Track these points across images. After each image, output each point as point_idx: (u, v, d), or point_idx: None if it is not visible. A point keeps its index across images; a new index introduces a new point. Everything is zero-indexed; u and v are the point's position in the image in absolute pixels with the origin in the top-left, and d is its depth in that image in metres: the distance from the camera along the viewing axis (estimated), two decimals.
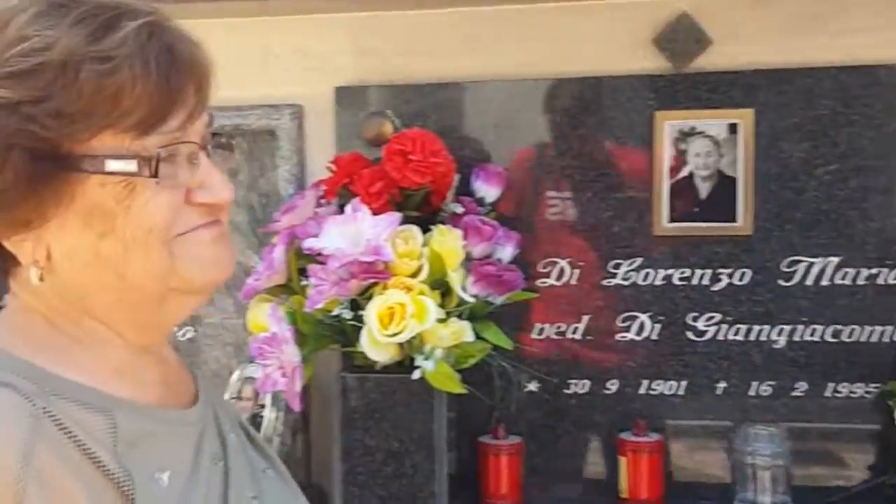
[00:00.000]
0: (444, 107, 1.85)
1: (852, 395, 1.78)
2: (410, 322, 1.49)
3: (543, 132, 1.85)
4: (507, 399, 1.83)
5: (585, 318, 1.84)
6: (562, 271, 1.85)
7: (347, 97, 1.88)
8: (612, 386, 1.85)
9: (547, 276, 1.85)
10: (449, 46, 1.86)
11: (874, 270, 1.76)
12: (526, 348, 1.82)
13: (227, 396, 1.71)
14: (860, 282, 1.76)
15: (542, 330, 1.86)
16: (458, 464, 1.80)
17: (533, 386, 1.86)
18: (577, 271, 1.84)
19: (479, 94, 1.87)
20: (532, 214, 1.85)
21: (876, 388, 1.76)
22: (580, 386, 1.86)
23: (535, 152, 1.85)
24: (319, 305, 1.51)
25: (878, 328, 1.76)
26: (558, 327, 1.85)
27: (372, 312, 1.49)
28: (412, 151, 1.54)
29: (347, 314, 1.51)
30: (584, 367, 1.85)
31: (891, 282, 1.76)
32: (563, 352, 1.85)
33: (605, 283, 1.83)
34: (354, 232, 1.52)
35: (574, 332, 1.85)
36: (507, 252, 1.75)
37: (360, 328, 1.52)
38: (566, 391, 1.86)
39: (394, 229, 1.53)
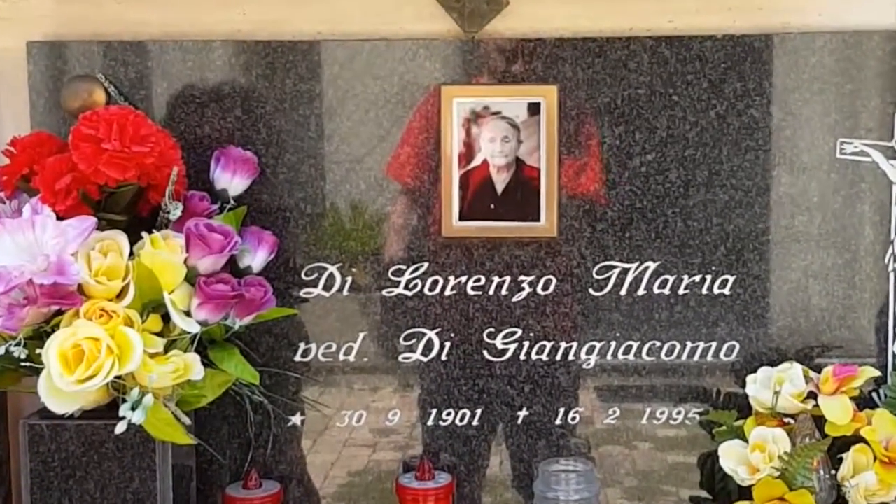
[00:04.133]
0: (174, 72, 1.63)
1: (672, 423, 1.69)
2: (107, 362, 1.23)
3: (305, 106, 1.63)
4: (264, 437, 1.67)
5: (361, 336, 1.68)
6: (331, 279, 1.65)
7: (44, 55, 1.62)
8: (394, 417, 1.70)
9: (313, 284, 1.65)
10: None
11: (696, 278, 1.65)
12: (288, 374, 1.67)
13: None
14: (681, 291, 1.65)
15: (307, 351, 1.67)
16: None
17: (297, 419, 1.67)
18: (349, 279, 1.65)
19: (222, 57, 1.64)
20: (293, 210, 1.65)
21: (699, 413, 1.67)
22: (355, 418, 1.70)
23: (294, 132, 1.63)
24: None
25: (701, 345, 1.67)
26: (328, 347, 1.68)
27: (52, 352, 1.22)
28: (106, 138, 1.26)
29: (19, 352, 1.24)
30: (359, 394, 1.70)
31: (716, 291, 1.65)
32: (334, 376, 1.69)
33: (384, 293, 1.67)
34: (32, 242, 1.25)
35: (347, 353, 1.68)
36: (258, 259, 1.55)
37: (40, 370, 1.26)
38: (339, 424, 1.70)
39: (86, 239, 1.26)
